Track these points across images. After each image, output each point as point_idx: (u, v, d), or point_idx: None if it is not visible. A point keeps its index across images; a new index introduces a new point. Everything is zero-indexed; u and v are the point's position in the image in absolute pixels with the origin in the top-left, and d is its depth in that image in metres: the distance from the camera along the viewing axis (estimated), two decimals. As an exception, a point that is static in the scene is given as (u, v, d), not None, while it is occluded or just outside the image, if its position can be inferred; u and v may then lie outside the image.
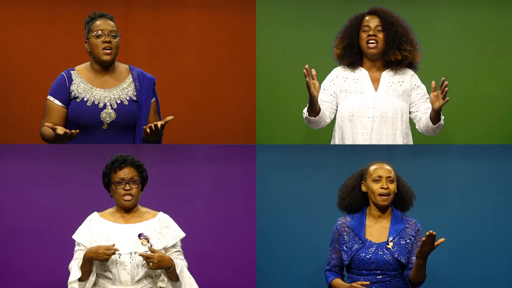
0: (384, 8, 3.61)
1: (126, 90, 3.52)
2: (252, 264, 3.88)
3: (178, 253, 3.19)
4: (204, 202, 3.92)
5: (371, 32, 3.56)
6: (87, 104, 3.45)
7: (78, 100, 3.46)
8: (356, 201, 3.23)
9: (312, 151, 4.00)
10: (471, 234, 3.85)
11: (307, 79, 3.39)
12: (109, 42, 3.45)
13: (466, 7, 4.34)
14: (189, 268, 3.27)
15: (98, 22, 3.48)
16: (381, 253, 3.08)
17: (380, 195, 3.14)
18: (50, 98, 3.48)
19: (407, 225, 3.15)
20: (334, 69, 3.71)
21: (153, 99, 3.60)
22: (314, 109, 3.51)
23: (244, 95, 4.34)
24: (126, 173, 3.12)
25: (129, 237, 3.09)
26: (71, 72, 3.53)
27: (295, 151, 4.03)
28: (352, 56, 3.62)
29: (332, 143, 3.71)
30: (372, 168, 3.19)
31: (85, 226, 3.14)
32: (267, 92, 4.35)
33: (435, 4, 4.35)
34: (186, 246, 3.61)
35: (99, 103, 3.46)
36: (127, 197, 3.12)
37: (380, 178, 3.15)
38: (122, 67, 3.58)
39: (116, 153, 3.19)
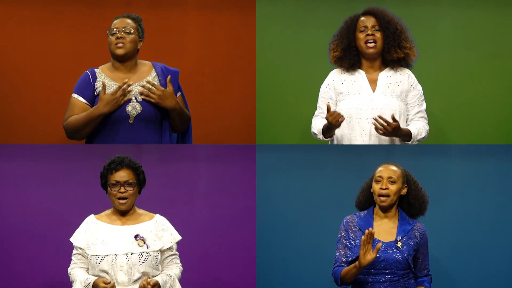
0: (379, 8, 3.62)
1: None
2: (252, 264, 3.88)
3: (174, 256, 3.20)
4: (204, 202, 3.92)
5: (369, 32, 3.56)
6: None
7: None
8: (365, 201, 3.25)
9: (312, 151, 4.00)
10: (471, 234, 3.85)
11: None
12: (122, 38, 3.48)
13: (466, 7, 4.34)
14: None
15: (115, 21, 3.55)
16: (391, 252, 3.07)
17: (380, 195, 3.14)
18: (75, 95, 3.51)
19: (414, 227, 3.16)
20: (331, 72, 3.71)
21: (179, 93, 3.62)
22: (332, 134, 3.59)
23: (244, 95, 4.34)
24: (121, 175, 3.11)
25: (125, 238, 3.08)
26: (95, 70, 3.56)
27: (295, 151, 4.03)
28: (351, 57, 3.61)
29: (330, 144, 3.71)
30: (378, 169, 3.20)
31: (82, 229, 3.14)
32: (267, 92, 4.35)
33: (435, 4, 4.34)
34: (187, 246, 3.61)
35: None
36: (122, 201, 3.11)
37: (381, 178, 3.15)
38: (144, 63, 3.62)
39: (115, 153, 3.19)
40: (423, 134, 3.58)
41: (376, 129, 3.46)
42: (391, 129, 3.43)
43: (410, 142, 3.55)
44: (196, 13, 4.34)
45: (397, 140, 3.58)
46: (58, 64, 4.21)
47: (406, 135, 3.53)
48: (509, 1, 4.34)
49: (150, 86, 3.47)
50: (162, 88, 3.48)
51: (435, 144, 3.93)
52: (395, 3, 4.25)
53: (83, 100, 3.48)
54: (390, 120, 3.43)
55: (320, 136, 3.63)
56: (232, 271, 3.89)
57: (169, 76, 3.51)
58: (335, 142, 3.66)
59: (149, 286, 2.99)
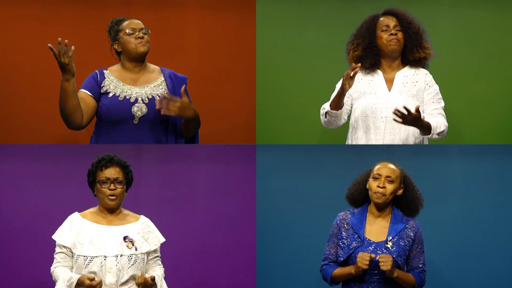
0: (399, 9, 3.62)
1: (158, 87, 3.54)
2: (252, 264, 3.88)
3: (157, 258, 3.19)
4: (204, 202, 3.92)
5: (392, 31, 3.55)
6: (119, 98, 3.48)
7: (109, 95, 3.48)
8: (357, 194, 3.23)
9: (312, 151, 4.00)
10: (471, 234, 3.85)
11: (349, 74, 3.34)
12: (142, 37, 3.51)
13: (466, 7, 4.34)
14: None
15: (126, 22, 3.55)
16: (380, 253, 3.07)
17: (376, 192, 3.13)
18: (82, 90, 3.50)
19: (407, 226, 3.14)
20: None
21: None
22: (339, 104, 3.51)
23: (244, 95, 4.34)
24: (111, 173, 3.09)
25: (114, 239, 3.05)
26: (104, 71, 3.57)
27: (295, 151, 4.03)
28: (372, 57, 3.60)
29: (346, 143, 3.70)
30: (376, 166, 3.18)
31: (66, 227, 3.08)
32: (267, 92, 4.35)
33: (435, 4, 4.35)
34: (186, 246, 3.62)
35: (130, 98, 3.48)
36: (112, 197, 3.08)
37: (379, 176, 3.14)
38: (153, 67, 3.63)
39: (115, 153, 3.18)
40: (442, 128, 3.52)
41: (396, 117, 3.38)
42: (412, 118, 3.36)
43: (430, 136, 3.50)
44: (196, 13, 4.34)
45: (409, 140, 3.55)
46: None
47: (426, 127, 3.47)
48: (509, 1, 4.34)
49: (168, 99, 3.41)
50: (180, 99, 3.42)
51: (435, 144, 3.92)
52: (395, 3, 4.25)
53: (88, 92, 3.49)
54: (413, 111, 3.35)
55: (327, 109, 3.56)
56: (232, 271, 3.89)
57: (183, 86, 3.48)
58: (349, 142, 3.64)
59: (150, 280, 2.98)
